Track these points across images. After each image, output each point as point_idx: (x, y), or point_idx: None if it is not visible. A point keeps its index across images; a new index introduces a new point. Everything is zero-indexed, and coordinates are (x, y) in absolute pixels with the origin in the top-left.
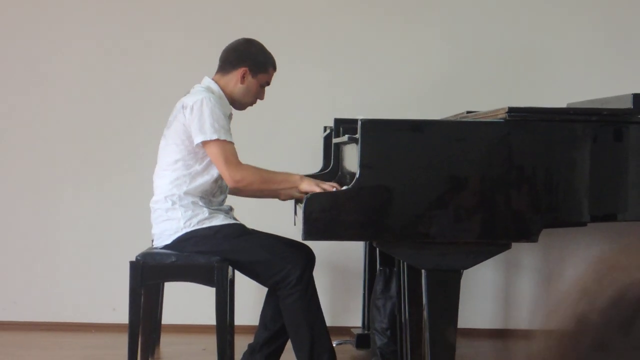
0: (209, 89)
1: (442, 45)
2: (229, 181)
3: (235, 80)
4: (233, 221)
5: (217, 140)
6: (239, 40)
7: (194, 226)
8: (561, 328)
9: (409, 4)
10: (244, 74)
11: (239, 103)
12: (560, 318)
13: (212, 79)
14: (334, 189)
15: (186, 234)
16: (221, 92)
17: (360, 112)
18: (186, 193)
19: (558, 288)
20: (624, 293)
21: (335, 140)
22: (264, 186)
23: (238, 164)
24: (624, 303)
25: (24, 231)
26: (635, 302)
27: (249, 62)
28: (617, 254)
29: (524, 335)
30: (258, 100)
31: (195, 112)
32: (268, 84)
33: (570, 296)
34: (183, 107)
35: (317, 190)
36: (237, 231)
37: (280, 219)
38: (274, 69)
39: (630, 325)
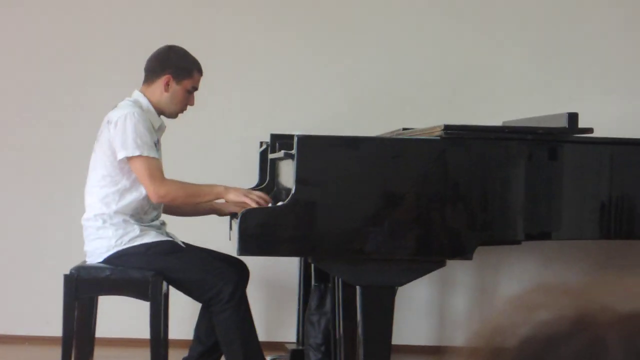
0: (136, 103)
1: (379, 62)
2: (153, 197)
3: (160, 89)
4: (165, 238)
5: (140, 156)
6: (160, 48)
7: (125, 244)
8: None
9: (344, 21)
10: (168, 81)
11: (167, 112)
12: (475, 350)
13: (140, 91)
14: (263, 200)
15: (117, 252)
16: (149, 104)
17: (296, 128)
18: (116, 212)
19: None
20: (536, 331)
21: (271, 156)
22: (189, 200)
23: (162, 179)
24: (535, 341)
25: None
26: (546, 340)
27: (171, 69)
28: (530, 292)
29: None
30: (190, 109)
31: (119, 127)
32: (195, 89)
33: (484, 332)
34: (108, 122)
35: (245, 199)
36: (169, 248)
37: (215, 234)
38: (200, 73)
39: None
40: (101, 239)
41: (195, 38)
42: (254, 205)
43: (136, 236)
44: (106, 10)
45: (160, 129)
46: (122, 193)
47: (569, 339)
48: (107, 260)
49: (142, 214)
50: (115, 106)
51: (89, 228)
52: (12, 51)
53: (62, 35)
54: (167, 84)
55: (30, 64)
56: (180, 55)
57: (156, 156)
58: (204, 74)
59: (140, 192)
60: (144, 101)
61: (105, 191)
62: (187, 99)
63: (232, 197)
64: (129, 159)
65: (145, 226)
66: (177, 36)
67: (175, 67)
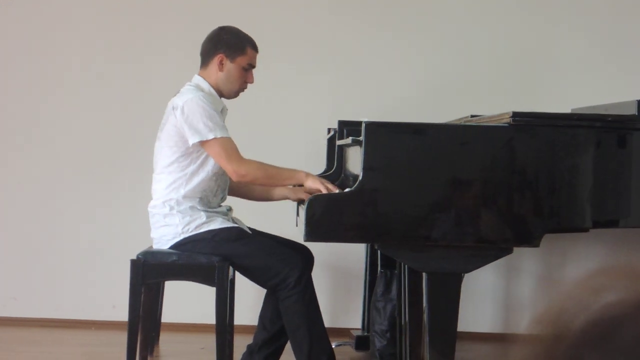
0: (198, 87)
1: (447, 49)
2: (233, 176)
3: (215, 70)
4: (231, 224)
5: (215, 138)
6: (213, 30)
7: (191, 232)
8: (540, 339)
9: (412, 8)
10: (221, 60)
11: (226, 92)
12: (540, 330)
13: (198, 75)
14: (337, 191)
15: (184, 239)
16: (210, 87)
17: (364, 115)
18: (184, 197)
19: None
20: (601, 313)
21: (338, 142)
22: (269, 181)
23: (241, 158)
24: (599, 323)
25: (25, 228)
26: (611, 322)
27: (223, 48)
28: (595, 275)
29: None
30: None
31: (187, 112)
32: (252, 66)
33: (550, 313)
34: (173, 108)
35: (322, 188)
36: (235, 234)
37: (282, 220)
38: (254, 49)
39: (607, 343)
40: (168, 227)
41: (262, 25)
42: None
43: (202, 223)
44: None
45: (223, 112)
46: (190, 176)
47: (633, 321)
48: (174, 247)
49: (210, 195)
50: (178, 92)
51: (155, 215)
52: (74, 42)
53: (125, 23)
54: (220, 63)
55: (93, 54)
56: (232, 33)
57: (229, 136)
58: (272, 57)
59: (207, 172)
60: (204, 85)
61: (173, 177)
62: (244, 77)
63: (310, 183)
64: (202, 143)
65: (211, 212)
66: (241, 23)
67: (227, 46)
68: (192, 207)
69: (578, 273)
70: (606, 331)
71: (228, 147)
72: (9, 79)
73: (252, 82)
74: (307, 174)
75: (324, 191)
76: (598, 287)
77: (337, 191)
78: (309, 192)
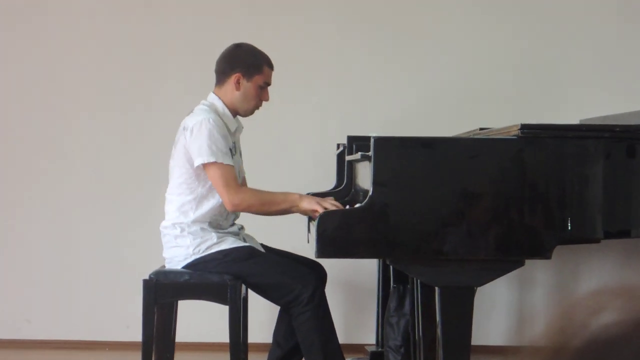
0: (212, 107)
1: (455, 62)
2: (227, 205)
3: (231, 89)
4: (242, 244)
5: (215, 163)
6: (228, 47)
7: (202, 252)
8: (538, 356)
9: (419, 21)
10: (238, 79)
11: (242, 110)
12: (539, 350)
13: (214, 93)
14: (336, 208)
15: (195, 260)
16: (224, 106)
17: (373, 130)
18: (194, 221)
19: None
20: (599, 333)
21: (348, 158)
22: (263, 208)
23: (237, 187)
24: (597, 342)
25: (38, 249)
26: (609, 342)
27: (240, 67)
28: (593, 295)
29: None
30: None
31: (195, 134)
32: (268, 84)
33: (548, 333)
34: (184, 128)
35: (318, 207)
36: (246, 253)
37: (294, 236)
38: (270, 67)
39: None
40: (179, 247)
41: (271, 41)
42: None
43: (214, 243)
44: (182, 14)
45: (237, 131)
46: (200, 201)
47: (631, 341)
48: (186, 268)
49: (221, 220)
50: (192, 111)
51: (167, 235)
52: (87, 56)
53: (140, 39)
54: (237, 82)
55: (107, 68)
56: (249, 52)
57: (231, 163)
58: (280, 74)
59: (217, 198)
60: (219, 104)
61: (182, 199)
62: (260, 95)
63: (306, 205)
64: (204, 165)
65: (223, 233)
66: (251, 38)
67: (244, 64)
68: (202, 229)
69: (591, 284)
70: (604, 351)
71: (227, 174)
72: (19, 98)
73: (267, 99)
74: (301, 196)
75: (321, 210)
76: (595, 308)
77: (332, 208)
78: (305, 214)
